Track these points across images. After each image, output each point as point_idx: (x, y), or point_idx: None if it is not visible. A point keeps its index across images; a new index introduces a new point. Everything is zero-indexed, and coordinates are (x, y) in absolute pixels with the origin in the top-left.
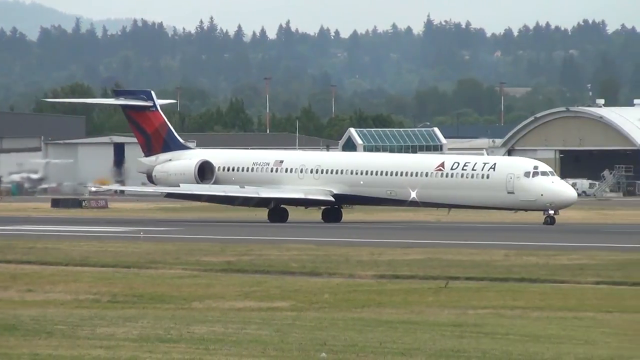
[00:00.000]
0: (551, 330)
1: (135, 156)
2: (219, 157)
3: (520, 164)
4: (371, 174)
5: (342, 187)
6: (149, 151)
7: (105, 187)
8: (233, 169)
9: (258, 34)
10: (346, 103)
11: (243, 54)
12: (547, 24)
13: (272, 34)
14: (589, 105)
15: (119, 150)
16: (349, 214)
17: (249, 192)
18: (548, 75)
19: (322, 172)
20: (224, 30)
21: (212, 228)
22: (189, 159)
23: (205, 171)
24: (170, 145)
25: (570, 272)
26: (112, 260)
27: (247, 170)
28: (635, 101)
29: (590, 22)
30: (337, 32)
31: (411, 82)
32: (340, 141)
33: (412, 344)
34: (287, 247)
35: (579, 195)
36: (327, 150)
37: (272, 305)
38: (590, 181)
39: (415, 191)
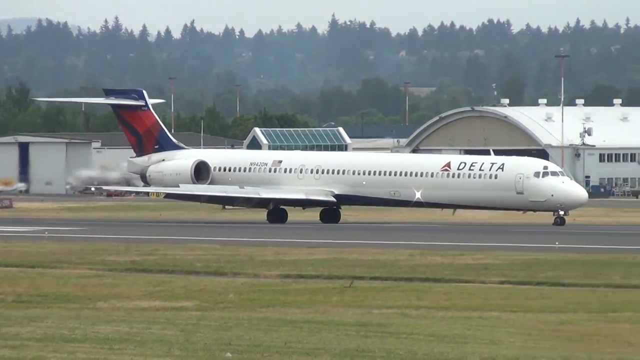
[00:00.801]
0: (456, 330)
1: (39, 156)
2: (214, 157)
3: (529, 163)
4: (374, 174)
5: (344, 188)
6: (140, 151)
7: (114, 188)
8: (229, 169)
9: (163, 34)
10: (251, 103)
11: (148, 53)
12: (452, 24)
13: (177, 34)
14: (494, 105)
15: (23, 150)
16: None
17: (250, 192)
18: (453, 75)
19: (322, 172)
20: (129, 30)
21: (117, 228)
22: (184, 159)
23: (201, 171)
24: (162, 145)
25: (474, 271)
26: (16, 260)
27: (244, 171)
28: (540, 101)
29: (495, 22)
30: (242, 32)
31: (316, 82)
32: (245, 141)
33: (317, 343)
34: (191, 246)
35: None
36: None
37: (176, 305)
38: None
39: (420, 191)
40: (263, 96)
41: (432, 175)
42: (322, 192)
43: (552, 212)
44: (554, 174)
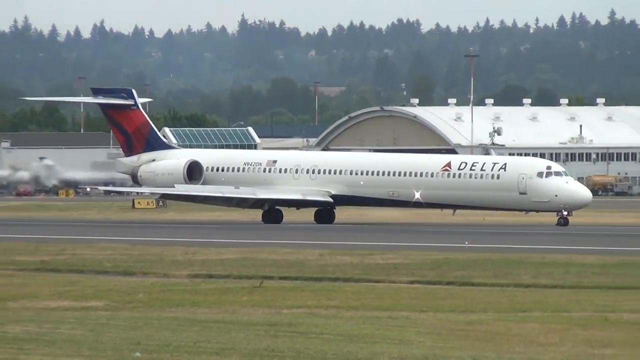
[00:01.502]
0: (365, 330)
1: None
2: (207, 157)
3: (532, 163)
4: (372, 174)
5: (341, 188)
6: (129, 151)
7: (102, 188)
8: (223, 169)
9: (72, 34)
10: (161, 102)
11: (57, 53)
12: (362, 24)
13: (86, 34)
14: (404, 105)
15: None
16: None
17: (246, 192)
18: (362, 75)
19: (319, 172)
20: (39, 30)
21: (26, 227)
22: (176, 158)
23: (193, 171)
24: (153, 144)
25: (384, 271)
26: None
27: (238, 171)
28: (450, 100)
29: (405, 21)
30: (151, 32)
31: (225, 82)
32: None
33: (227, 343)
34: (101, 246)
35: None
36: None
37: (86, 305)
38: None
39: (420, 192)
40: (173, 96)
41: (432, 175)
42: (318, 192)
43: (555, 213)
44: (557, 174)
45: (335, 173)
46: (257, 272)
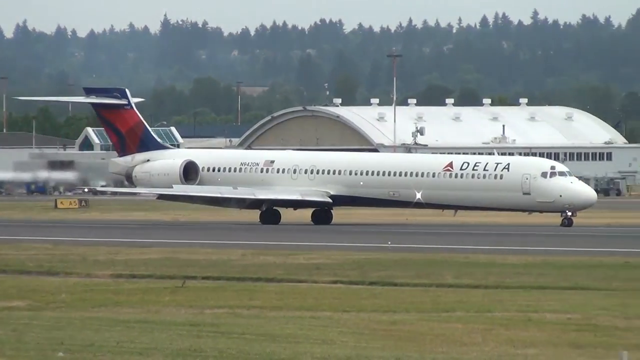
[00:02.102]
0: (288, 330)
1: None
2: (203, 157)
3: (536, 163)
4: (372, 174)
5: (340, 188)
6: (122, 151)
7: (100, 188)
8: (219, 169)
9: None
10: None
11: None
12: (284, 23)
13: (8, 33)
14: (326, 105)
15: None
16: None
17: (245, 193)
18: (285, 75)
19: (317, 173)
20: None
21: None
22: (171, 158)
23: (189, 171)
24: (147, 144)
25: (307, 271)
26: None
27: (235, 171)
28: (373, 100)
29: (327, 21)
30: (74, 32)
31: (148, 81)
32: (77, 140)
33: (149, 343)
34: (24, 246)
35: None
36: (64, 150)
37: (8, 305)
38: None
39: (421, 192)
40: None
41: (433, 176)
42: (317, 192)
43: (559, 213)
44: (561, 174)
45: (334, 173)
46: (179, 272)
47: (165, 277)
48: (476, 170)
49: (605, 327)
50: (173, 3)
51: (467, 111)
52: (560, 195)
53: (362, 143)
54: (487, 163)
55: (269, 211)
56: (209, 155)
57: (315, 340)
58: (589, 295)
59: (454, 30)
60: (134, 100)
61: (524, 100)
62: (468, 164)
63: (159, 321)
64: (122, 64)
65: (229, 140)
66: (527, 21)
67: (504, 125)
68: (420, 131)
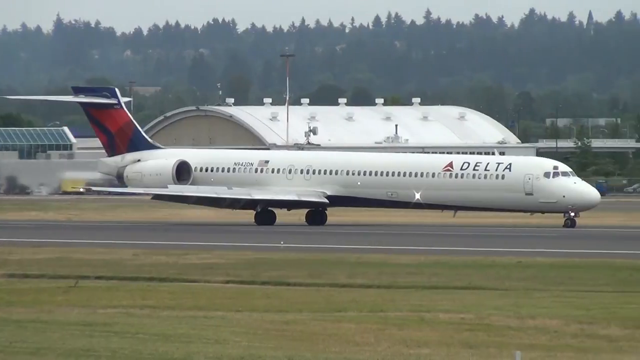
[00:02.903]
0: (181, 330)
1: None
2: (196, 157)
3: (538, 163)
4: (370, 174)
5: (337, 189)
6: (112, 151)
7: (98, 189)
8: (212, 170)
9: None
10: None
11: None
12: (177, 23)
13: None
14: (219, 105)
15: None
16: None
17: (241, 193)
18: (178, 75)
19: (313, 173)
20: None
21: None
22: (163, 158)
23: (181, 172)
24: (137, 144)
25: (200, 271)
26: None
27: (228, 171)
28: (265, 100)
29: (220, 21)
30: None
31: (41, 81)
32: None
33: (42, 343)
34: None
35: None
36: None
37: None
38: None
39: (420, 192)
40: None
41: (432, 176)
42: (313, 193)
43: (562, 214)
44: (564, 174)
45: (330, 173)
46: (72, 271)
47: (58, 277)
48: (477, 170)
49: (499, 327)
50: (66, 3)
51: (360, 111)
52: (564, 196)
53: (255, 143)
54: (488, 163)
55: (264, 212)
56: (202, 155)
57: (208, 340)
58: (482, 295)
59: (347, 30)
60: (123, 100)
61: (416, 100)
62: (469, 164)
63: (52, 321)
64: (14, 64)
65: None
66: (420, 21)
67: (396, 125)
68: (313, 131)
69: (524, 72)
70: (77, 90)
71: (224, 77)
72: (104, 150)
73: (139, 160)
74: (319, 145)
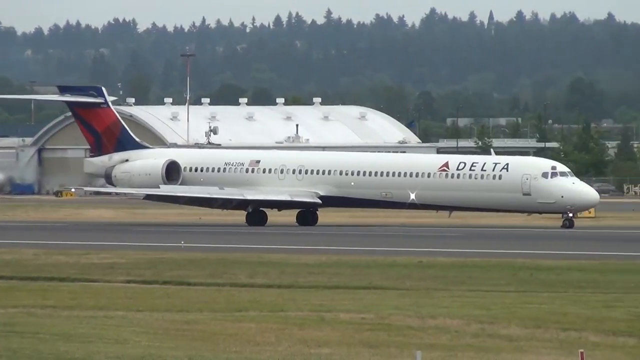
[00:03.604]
0: (82, 329)
1: None
2: (185, 156)
3: (536, 163)
4: (364, 174)
5: (330, 189)
6: (99, 151)
7: (87, 189)
8: (202, 169)
9: None
10: None
11: None
12: (78, 23)
13: None
14: (120, 104)
15: None
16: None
17: (233, 193)
18: (79, 74)
19: (306, 173)
20: None
21: None
22: (152, 158)
23: (171, 172)
24: (124, 144)
25: (100, 270)
26: None
27: (219, 171)
28: (166, 100)
29: (121, 20)
30: None
31: None
32: None
33: None
34: None
35: (109, 194)
36: None
37: None
38: None
39: (415, 193)
40: None
41: (428, 176)
42: (306, 193)
43: (560, 215)
44: (562, 174)
45: (323, 173)
46: None
47: None
48: (473, 170)
49: (399, 326)
50: None
51: (260, 110)
52: (562, 196)
53: (155, 142)
54: (484, 163)
55: (255, 212)
56: (192, 155)
57: (109, 340)
58: (383, 294)
59: (248, 30)
60: (109, 99)
61: (317, 100)
62: (465, 164)
63: None
64: None
65: (22, 140)
66: (320, 20)
67: (297, 125)
68: (214, 130)
69: (425, 71)
70: (63, 90)
71: (125, 76)
72: (11, 151)
73: (127, 160)
74: (220, 145)
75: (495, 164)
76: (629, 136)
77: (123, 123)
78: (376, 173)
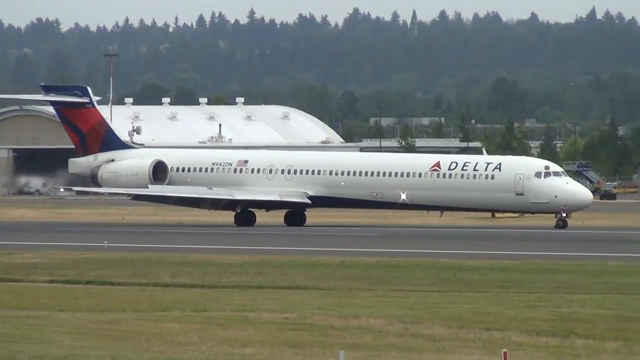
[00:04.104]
0: (4, 329)
1: None
2: (172, 156)
3: (529, 163)
4: (353, 174)
5: (319, 189)
6: (84, 151)
7: (76, 189)
8: (189, 170)
9: None
10: None
11: None
12: (1, 23)
13: None
14: (43, 104)
15: None
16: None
17: (222, 193)
18: (2, 74)
19: (295, 173)
20: None
21: None
22: (139, 158)
23: (157, 172)
24: (109, 144)
25: (23, 270)
26: None
27: (206, 171)
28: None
29: (44, 20)
30: None
31: None
32: None
33: None
34: None
35: (32, 193)
36: None
37: None
38: (43, 180)
39: (406, 193)
40: None
41: (419, 176)
42: (295, 193)
43: (554, 215)
44: (556, 174)
45: (313, 173)
46: None
47: None
48: (465, 170)
49: (322, 326)
50: None
51: (183, 110)
52: (556, 196)
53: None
54: (477, 163)
55: (244, 212)
56: (179, 155)
57: (32, 340)
58: (306, 294)
59: (171, 30)
60: (94, 99)
61: (240, 100)
62: (456, 163)
63: None
64: None
65: None
66: (243, 20)
67: (220, 125)
68: (137, 130)
69: (348, 71)
70: (47, 89)
71: (48, 76)
72: None
73: (112, 160)
74: (143, 145)
75: (488, 163)
76: (552, 136)
77: (108, 123)
78: (366, 173)
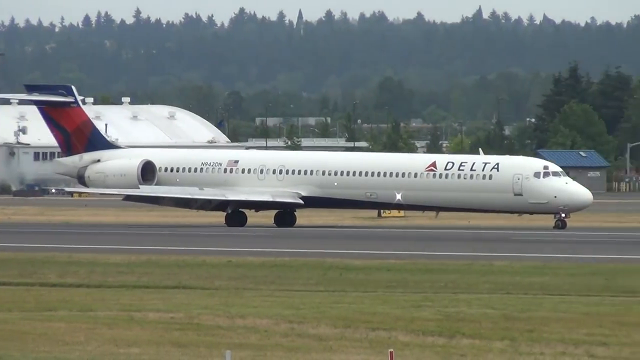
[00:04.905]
0: None
1: None
2: (160, 156)
3: (527, 163)
4: (347, 174)
5: (312, 189)
6: (69, 151)
7: (68, 189)
8: (178, 170)
9: None
10: None
11: None
12: None
13: None
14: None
15: None
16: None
17: (215, 194)
18: None
19: (287, 173)
20: None
21: None
22: (126, 158)
23: (146, 172)
24: (95, 144)
25: None
26: None
27: (195, 171)
28: None
29: None
30: None
31: None
32: None
33: None
34: None
35: None
36: None
37: None
38: None
39: (401, 193)
40: None
41: (415, 176)
42: (287, 193)
43: (553, 215)
44: (555, 174)
45: (305, 173)
46: None
47: None
48: (462, 170)
49: (209, 326)
50: None
51: None
52: (555, 197)
53: None
54: (474, 163)
55: (235, 213)
56: (168, 155)
57: None
58: (192, 294)
59: (57, 29)
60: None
61: (126, 100)
62: (453, 163)
63: None
64: None
65: None
66: (129, 20)
67: (106, 124)
68: (23, 130)
69: (234, 71)
70: (30, 89)
71: None
72: None
73: (98, 160)
74: (29, 144)
75: (485, 163)
76: (438, 136)
77: (93, 122)
78: (360, 173)
